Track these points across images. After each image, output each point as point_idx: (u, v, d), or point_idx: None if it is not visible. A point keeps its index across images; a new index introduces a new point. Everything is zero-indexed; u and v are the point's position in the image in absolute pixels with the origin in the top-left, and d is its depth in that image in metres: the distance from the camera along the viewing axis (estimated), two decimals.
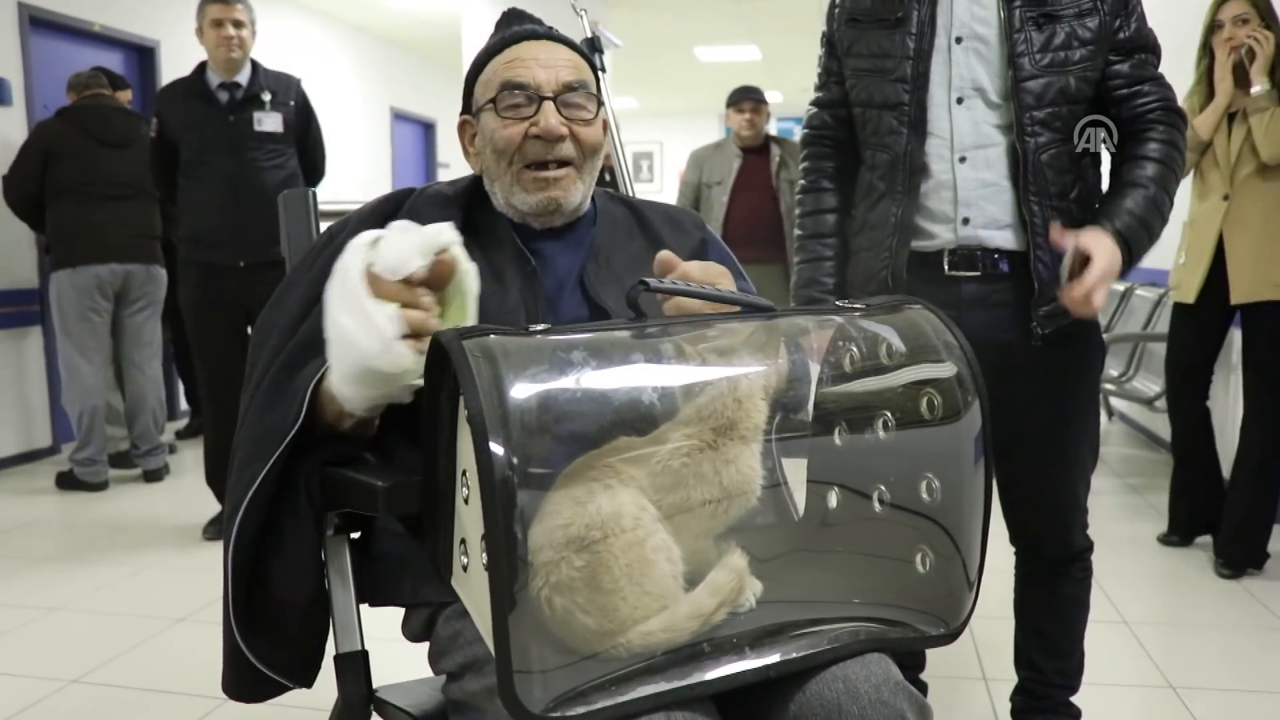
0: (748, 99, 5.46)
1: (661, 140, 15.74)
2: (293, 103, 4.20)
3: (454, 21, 9.03)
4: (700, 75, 13.29)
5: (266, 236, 3.82)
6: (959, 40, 1.95)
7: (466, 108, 1.54)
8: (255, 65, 4.16)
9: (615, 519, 0.99)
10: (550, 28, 1.50)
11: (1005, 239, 1.96)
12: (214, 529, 4.10)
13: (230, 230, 4.00)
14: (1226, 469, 4.47)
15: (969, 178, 1.96)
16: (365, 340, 1.13)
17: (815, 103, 2.19)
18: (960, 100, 1.95)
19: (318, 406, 1.28)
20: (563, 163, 1.46)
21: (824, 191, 2.17)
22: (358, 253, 1.17)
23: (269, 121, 4.10)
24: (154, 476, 5.11)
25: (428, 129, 11.87)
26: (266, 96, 4.10)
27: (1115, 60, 1.95)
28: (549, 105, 1.43)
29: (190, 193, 4.08)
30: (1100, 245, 1.83)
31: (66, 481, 5.00)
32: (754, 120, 5.45)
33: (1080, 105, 1.94)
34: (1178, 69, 3.02)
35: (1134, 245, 1.89)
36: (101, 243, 4.83)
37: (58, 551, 4.06)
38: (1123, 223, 1.88)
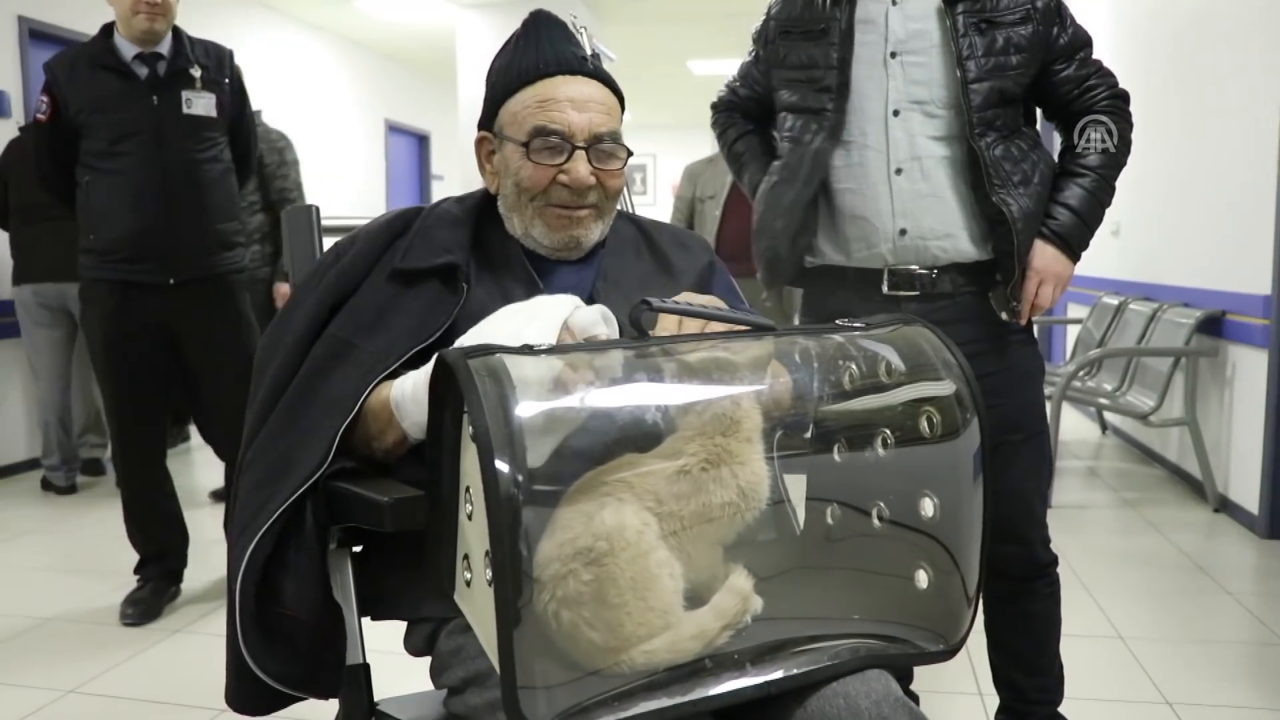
0: None
1: (654, 153, 15.76)
2: (227, 80, 3.37)
3: (448, 35, 9.04)
4: (693, 88, 13.30)
5: (201, 245, 3.26)
6: (894, 55, 2.01)
7: (486, 122, 1.52)
8: (178, 31, 3.29)
9: (619, 532, 1.00)
10: (584, 56, 1.47)
11: (942, 249, 2.02)
12: (135, 610, 3.34)
13: (157, 240, 3.19)
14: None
15: (905, 189, 2.01)
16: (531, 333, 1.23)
17: (729, 87, 2.34)
18: (896, 113, 2.01)
19: (356, 423, 1.32)
20: (586, 206, 1.47)
21: (736, 124, 2.35)
22: (563, 304, 1.27)
23: (200, 104, 3.25)
24: None
25: (422, 141, 11.90)
26: (196, 72, 3.24)
27: (1061, 67, 2.05)
28: (580, 155, 1.43)
29: (99, 192, 3.19)
30: (1032, 255, 2.02)
31: (50, 485, 5.14)
32: None
33: (1014, 106, 2.02)
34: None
35: (1071, 239, 2.04)
36: (40, 262, 4.92)
37: (52, 561, 4.05)
38: (1057, 223, 2.03)
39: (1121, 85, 2.09)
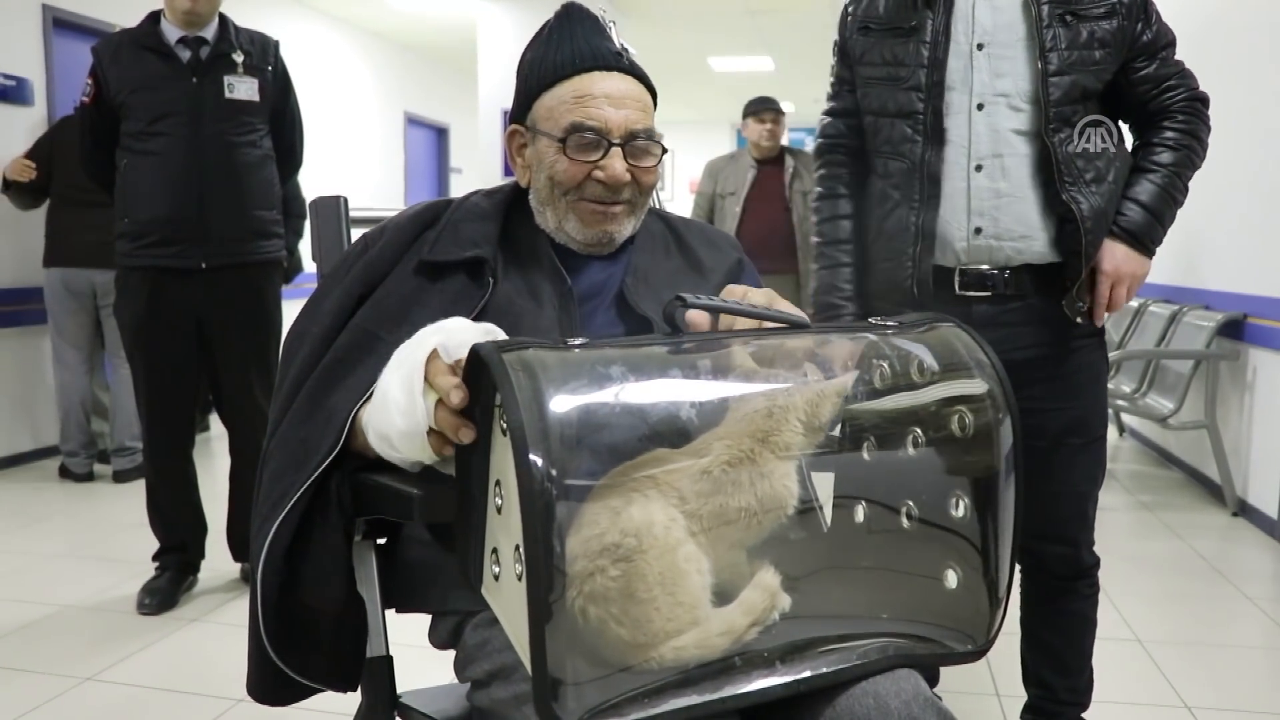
0: (768, 109, 5.46)
1: (673, 149, 15.70)
2: (270, 68, 3.37)
3: (469, 27, 9.06)
4: (713, 85, 13.31)
5: (235, 231, 3.28)
6: (980, 46, 1.96)
7: (518, 116, 1.51)
8: (224, 19, 3.34)
9: (647, 528, 0.99)
10: (618, 51, 1.46)
11: (1016, 249, 1.97)
12: (153, 599, 3.34)
13: (190, 222, 3.20)
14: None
15: (983, 187, 1.96)
16: (399, 419, 1.14)
17: (829, 112, 2.20)
18: (981, 106, 1.96)
19: (350, 433, 1.29)
20: (620, 202, 1.46)
21: (840, 198, 2.18)
22: (436, 334, 1.17)
23: (242, 88, 3.26)
24: (121, 478, 5.09)
25: (441, 134, 11.90)
26: (239, 57, 3.27)
27: (1141, 65, 1.99)
28: (616, 152, 1.42)
29: (136, 172, 3.21)
30: (1103, 255, 1.97)
31: (68, 472, 5.18)
32: (775, 130, 5.46)
33: (1092, 102, 1.97)
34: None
35: (1143, 236, 1.99)
36: (71, 246, 4.95)
37: (69, 548, 4.07)
38: (1128, 220, 1.98)
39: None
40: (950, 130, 1.97)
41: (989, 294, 2.00)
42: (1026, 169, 1.95)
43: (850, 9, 2.11)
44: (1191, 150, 2.01)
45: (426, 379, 1.12)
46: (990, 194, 1.96)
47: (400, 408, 1.13)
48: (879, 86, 2.03)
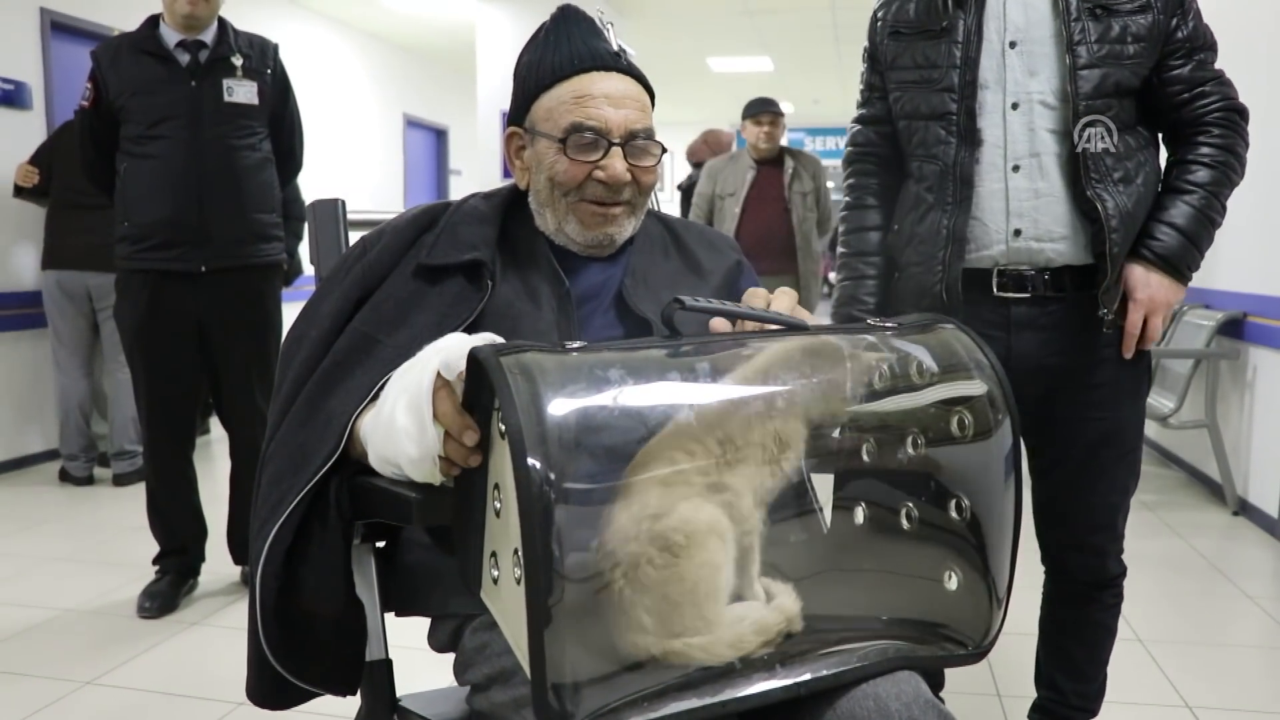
0: (766, 111, 5.45)
1: (672, 150, 15.66)
2: (269, 71, 3.38)
3: (468, 29, 9.05)
4: (712, 86, 13.30)
5: (235, 234, 3.28)
6: (1012, 45, 1.91)
7: (516, 118, 1.51)
8: (224, 23, 3.34)
9: (700, 536, 0.99)
10: (616, 52, 1.46)
11: (1057, 251, 1.91)
12: (153, 603, 3.34)
13: (190, 225, 3.20)
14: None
15: (1022, 187, 1.91)
16: (408, 445, 1.13)
17: (859, 119, 2.17)
18: (1015, 106, 1.91)
19: (348, 440, 1.29)
20: (620, 203, 1.46)
21: (868, 209, 2.16)
22: (437, 354, 1.14)
23: (241, 91, 3.27)
24: (121, 481, 5.09)
25: (440, 135, 11.90)
26: (238, 61, 3.27)
27: (1175, 64, 1.91)
28: (617, 151, 1.42)
29: (135, 176, 3.22)
30: (1136, 283, 1.89)
31: (67, 476, 5.18)
32: (772, 132, 5.44)
33: (1129, 99, 1.90)
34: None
35: (1178, 262, 1.89)
36: (68, 249, 4.95)
37: (69, 552, 4.06)
38: (1162, 245, 1.89)
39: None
40: (984, 131, 1.92)
41: (1028, 295, 1.94)
42: (1063, 168, 1.89)
43: (880, 14, 2.08)
44: (1229, 167, 1.91)
45: (436, 416, 1.10)
46: (1029, 194, 1.90)
47: (410, 435, 1.12)
48: (911, 90, 1.99)
